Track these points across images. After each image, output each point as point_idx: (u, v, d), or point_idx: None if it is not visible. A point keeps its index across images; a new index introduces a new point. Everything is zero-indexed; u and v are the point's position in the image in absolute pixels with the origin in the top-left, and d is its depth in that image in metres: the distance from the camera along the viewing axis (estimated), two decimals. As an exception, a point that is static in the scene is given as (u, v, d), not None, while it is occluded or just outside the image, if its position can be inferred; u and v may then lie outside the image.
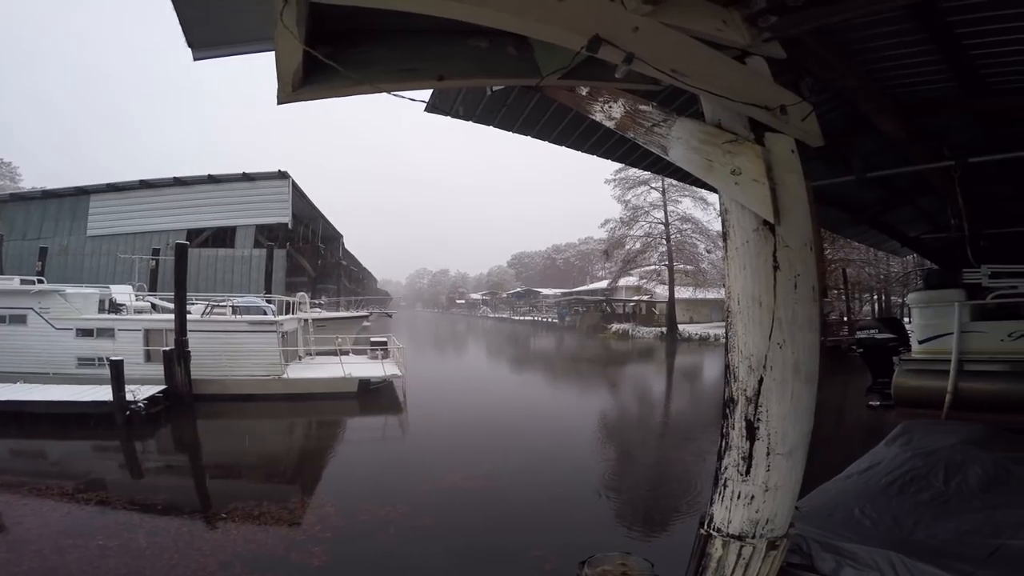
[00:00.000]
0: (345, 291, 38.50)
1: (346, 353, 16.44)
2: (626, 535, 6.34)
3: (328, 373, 14.72)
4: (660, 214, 37.64)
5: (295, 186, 27.60)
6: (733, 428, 2.35)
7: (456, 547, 5.87)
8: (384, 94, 2.54)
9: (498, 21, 1.98)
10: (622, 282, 44.33)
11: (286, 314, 16.49)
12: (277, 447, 11.05)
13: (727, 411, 2.38)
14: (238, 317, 14.83)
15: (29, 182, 52.83)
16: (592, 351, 31.56)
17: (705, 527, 2.50)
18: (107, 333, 13.77)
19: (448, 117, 4.64)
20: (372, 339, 18.72)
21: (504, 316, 76.40)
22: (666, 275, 37.75)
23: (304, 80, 2.37)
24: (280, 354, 14.35)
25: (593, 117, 3.16)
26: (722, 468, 2.42)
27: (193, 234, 25.63)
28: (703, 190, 22.01)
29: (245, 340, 14.12)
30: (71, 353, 13.59)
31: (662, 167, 6.82)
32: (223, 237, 27.31)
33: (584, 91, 3.09)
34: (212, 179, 27.41)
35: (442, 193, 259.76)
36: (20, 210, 27.69)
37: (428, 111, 4.43)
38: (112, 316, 14.47)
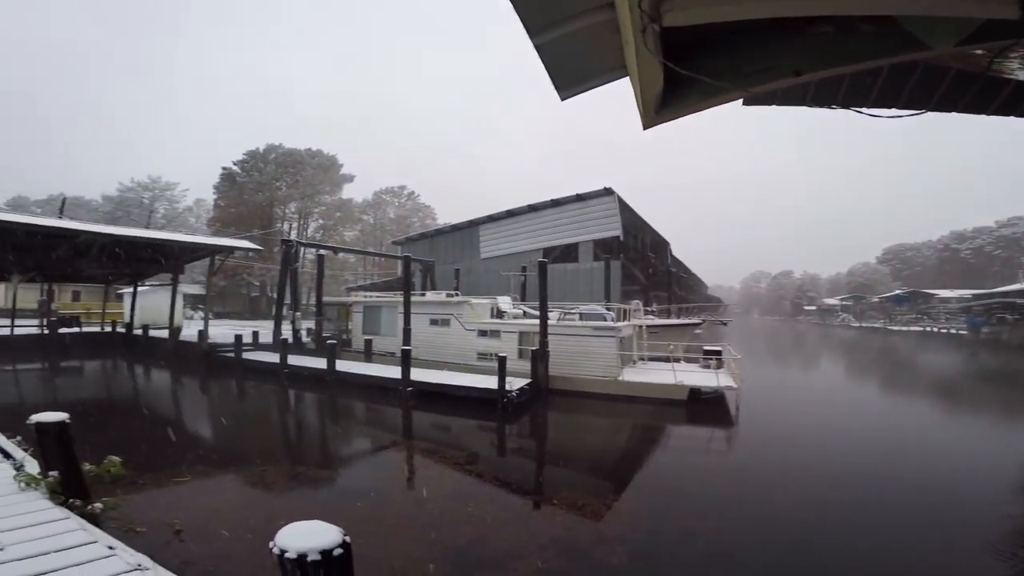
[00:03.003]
0: (675, 298, 38.43)
1: (678, 360, 16.38)
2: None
3: (659, 379, 14.99)
4: None
5: (620, 200, 29.36)
6: None
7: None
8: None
9: (902, 8, 1.93)
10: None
11: (622, 321, 17.55)
12: (606, 443, 11.75)
13: None
14: (584, 323, 16.65)
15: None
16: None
17: None
18: (495, 334, 17.72)
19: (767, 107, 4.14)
20: (705, 347, 18.04)
21: (874, 326, 61.86)
22: None
23: (662, 102, 2.48)
24: (618, 357, 15.44)
25: (1009, 76, 2.67)
26: None
27: (547, 252, 30.40)
28: None
29: (589, 343, 15.80)
30: (474, 349, 18.03)
31: None
32: (568, 253, 31.39)
33: (979, 50, 2.55)
34: (554, 203, 31.98)
35: (773, 190, 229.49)
36: (441, 241, 38.88)
37: (747, 104, 4.00)
38: (499, 321, 18.50)
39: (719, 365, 16.33)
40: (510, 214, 34.47)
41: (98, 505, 4.53)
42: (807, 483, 8.41)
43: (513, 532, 6.28)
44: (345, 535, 2.56)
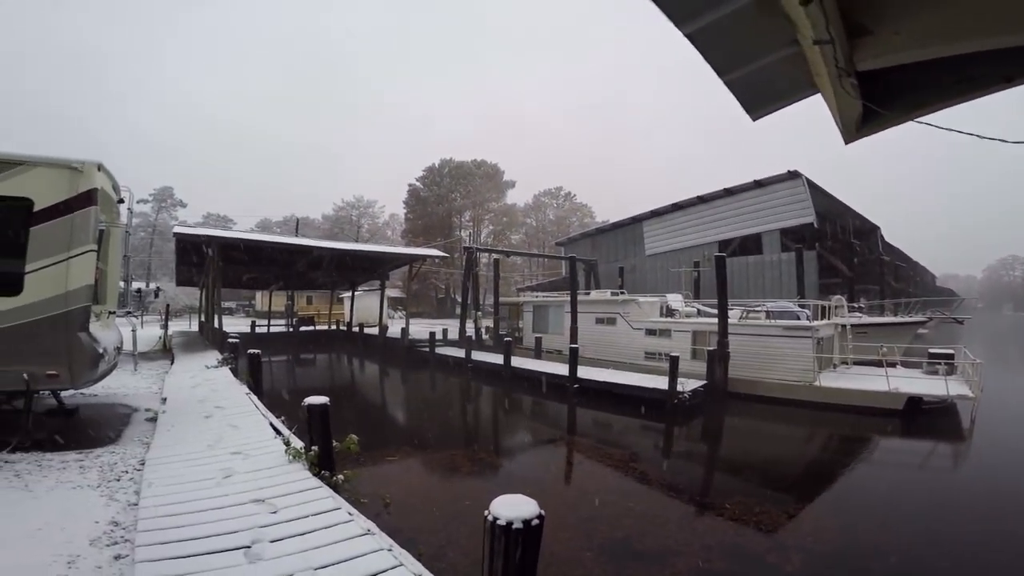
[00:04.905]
0: (889, 291, 32.37)
1: (893, 365, 13.95)
2: None
3: (867, 385, 12.98)
4: None
5: (811, 183, 25.76)
6: None
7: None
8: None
9: None
10: None
11: (820, 319, 15.54)
12: (794, 453, 10.75)
13: None
14: (772, 322, 15.12)
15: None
16: None
17: None
18: (665, 333, 17.12)
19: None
20: (931, 350, 15.02)
21: None
22: None
23: (864, 118, 2.51)
24: (814, 360, 13.73)
25: None
26: None
27: (723, 245, 28.15)
28: None
29: (778, 344, 14.30)
30: (641, 348, 17.67)
31: None
32: (749, 244, 28.62)
33: None
34: (728, 192, 29.34)
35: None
36: (603, 240, 38.74)
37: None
38: (670, 320, 17.83)
39: (950, 371, 13.51)
40: (676, 207, 32.72)
41: (340, 477, 5.25)
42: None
43: (675, 531, 6.20)
44: (541, 509, 2.87)
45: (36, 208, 6.10)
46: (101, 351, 6.73)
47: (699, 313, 18.65)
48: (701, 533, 6.19)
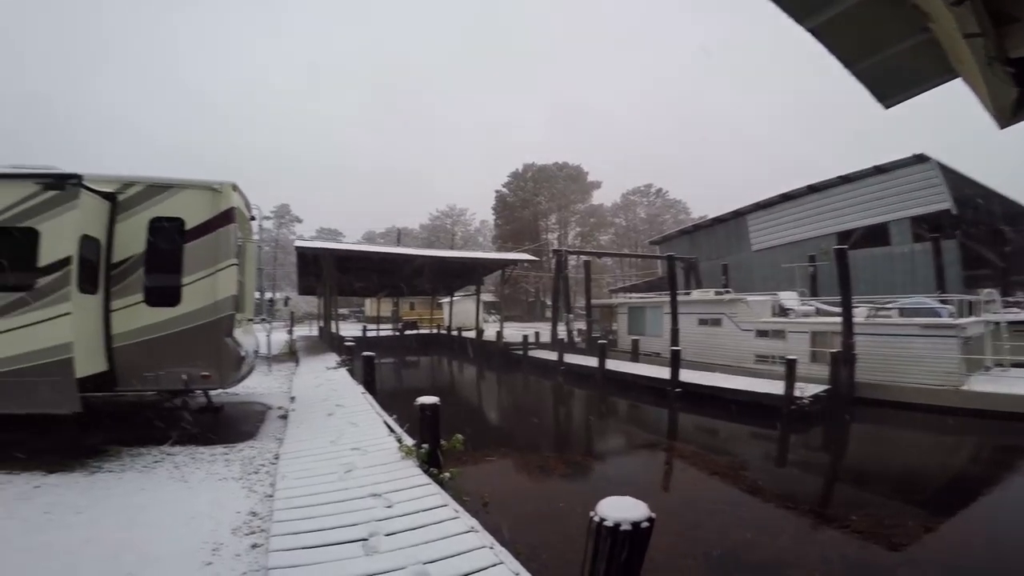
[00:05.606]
0: (1061, 282, 27.22)
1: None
2: None
3: None
4: None
5: (942, 166, 22.49)
6: None
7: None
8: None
9: None
10: None
11: (967, 315, 13.59)
12: (935, 464, 9.65)
13: None
14: (907, 320, 13.54)
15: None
16: None
17: None
18: (779, 335, 15.89)
19: None
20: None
21: None
22: None
23: (1017, 104, 2.37)
24: (960, 362, 12.06)
25: None
26: None
27: (843, 237, 25.50)
28: None
29: (914, 345, 12.77)
30: (751, 350, 16.54)
31: None
32: (873, 235, 25.68)
33: None
34: (844, 179, 26.52)
35: None
36: (702, 236, 36.66)
37: None
38: (785, 320, 16.54)
39: None
40: (785, 198, 30.14)
41: (446, 475, 5.40)
42: None
43: (791, 543, 5.81)
44: (651, 512, 2.77)
45: (187, 227, 6.96)
46: (243, 354, 7.61)
47: (817, 312, 17.09)
48: (820, 545, 5.79)
